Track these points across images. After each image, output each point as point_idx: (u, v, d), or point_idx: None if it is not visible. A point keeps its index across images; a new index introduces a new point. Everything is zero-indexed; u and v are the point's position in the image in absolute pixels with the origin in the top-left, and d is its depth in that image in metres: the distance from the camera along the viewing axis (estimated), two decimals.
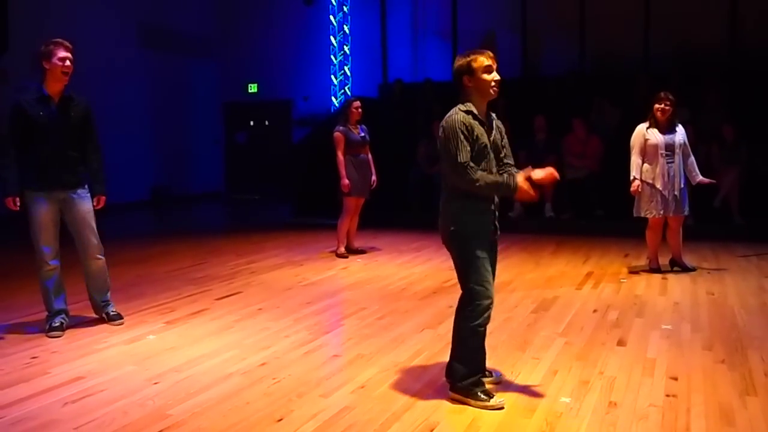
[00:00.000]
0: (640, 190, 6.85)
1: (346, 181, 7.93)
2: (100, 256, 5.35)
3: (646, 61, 12.38)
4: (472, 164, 3.63)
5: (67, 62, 4.99)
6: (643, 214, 6.96)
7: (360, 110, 8.07)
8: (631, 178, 6.88)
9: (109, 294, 5.50)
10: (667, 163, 6.82)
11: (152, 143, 14.63)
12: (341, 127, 8.03)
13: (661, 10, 12.30)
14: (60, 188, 5.09)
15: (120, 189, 12.67)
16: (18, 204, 5.06)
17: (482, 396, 3.70)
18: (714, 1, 12.20)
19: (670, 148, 6.83)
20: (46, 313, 5.24)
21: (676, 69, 11.22)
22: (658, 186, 6.81)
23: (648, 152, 6.87)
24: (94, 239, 5.29)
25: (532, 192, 3.68)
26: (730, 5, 12.07)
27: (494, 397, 3.71)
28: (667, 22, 12.25)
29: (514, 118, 11.07)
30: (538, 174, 3.68)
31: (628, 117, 10.62)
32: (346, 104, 8.31)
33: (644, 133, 6.89)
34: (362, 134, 8.13)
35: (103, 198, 5.34)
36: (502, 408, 3.65)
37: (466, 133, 3.66)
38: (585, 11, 12.91)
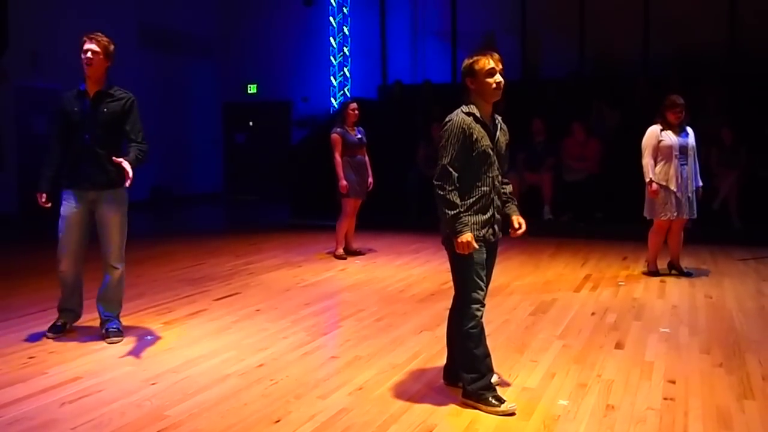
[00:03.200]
0: (659, 192, 6.80)
1: (345, 183, 7.94)
2: (116, 266, 5.00)
3: (645, 63, 12.40)
4: (452, 169, 3.65)
5: (89, 54, 4.81)
6: (658, 217, 6.92)
7: (357, 112, 8.09)
8: (647, 180, 6.82)
9: (116, 312, 5.12)
10: (681, 164, 6.79)
11: (151, 143, 14.53)
12: (338, 129, 8.05)
13: (660, 12, 12.33)
14: (89, 187, 4.87)
15: None
16: (45, 200, 4.93)
17: (493, 401, 3.67)
18: (713, 4, 12.22)
19: (683, 150, 6.81)
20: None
21: (675, 71, 11.24)
22: (672, 188, 6.79)
23: (662, 154, 6.82)
24: (113, 247, 4.98)
25: (468, 251, 3.64)
26: (730, 8, 12.09)
27: (505, 402, 3.68)
28: (667, 25, 12.28)
29: (513, 120, 11.05)
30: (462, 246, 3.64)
31: (627, 119, 10.66)
32: (343, 106, 8.38)
33: (657, 135, 6.84)
34: (359, 136, 8.15)
35: (126, 163, 4.72)
36: (513, 414, 3.62)
37: (462, 137, 3.66)
38: (584, 13, 12.94)
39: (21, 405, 3.80)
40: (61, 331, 5.06)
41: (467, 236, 3.65)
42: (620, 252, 8.43)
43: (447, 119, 3.75)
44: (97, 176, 4.89)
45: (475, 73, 3.73)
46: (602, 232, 9.55)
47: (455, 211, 3.66)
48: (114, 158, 4.77)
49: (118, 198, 5.00)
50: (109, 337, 4.97)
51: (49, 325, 5.09)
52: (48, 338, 4.96)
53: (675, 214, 6.84)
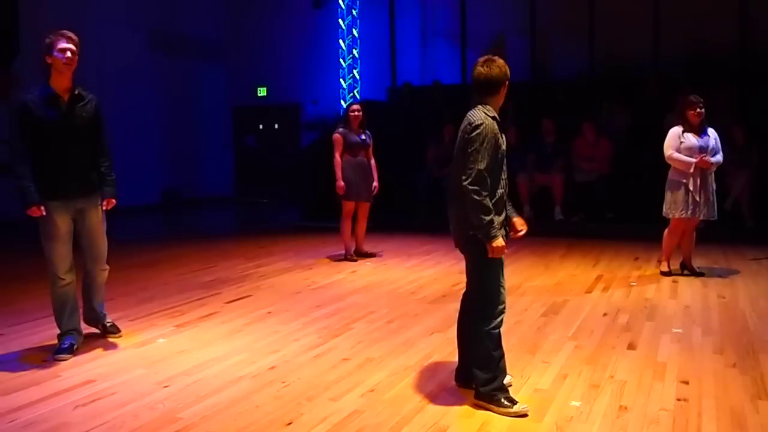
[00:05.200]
0: (706, 159, 6.68)
1: (342, 183, 7.91)
2: (107, 266, 5.05)
3: (655, 63, 12.35)
4: (487, 175, 3.63)
5: (68, 54, 4.53)
6: (676, 215, 6.88)
7: (359, 114, 8.05)
8: (692, 166, 6.68)
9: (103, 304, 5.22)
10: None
11: (162, 147, 14.69)
12: (340, 129, 8.04)
13: (670, 12, 12.28)
14: (74, 197, 4.68)
15: (130, 192, 12.70)
16: (43, 210, 4.58)
17: (505, 402, 3.68)
18: (724, 3, 12.15)
19: (704, 151, 6.77)
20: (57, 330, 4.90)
21: (685, 71, 11.19)
22: (691, 188, 6.76)
23: (683, 155, 6.80)
24: (103, 251, 4.95)
25: (501, 254, 3.69)
26: (741, 7, 12.03)
27: (518, 403, 3.69)
28: (677, 24, 12.23)
29: (523, 121, 11.07)
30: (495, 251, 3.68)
31: (638, 119, 10.63)
32: (345, 109, 8.35)
33: (680, 135, 6.82)
34: (363, 137, 8.10)
35: (113, 201, 4.87)
36: (525, 415, 3.62)
37: (494, 142, 3.66)
38: (594, 14, 12.90)
39: (35, 408, 3.82)
40: (71, 351, 4.73)
41: (501, 240, 3.66)
42: (632, 252, 8.40)
43: (477, 122, 3.66)
44: (82, 185, 4.72)
45: (508, 79, 3.79)
46: (613, 232, 9.51)
47: (491, 217, 3.63)
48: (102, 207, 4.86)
49: (99, 201, 4.85)
50: (112, 332, 5.14)
51: (57, 348, 4.73)
52: (61, 360, 4.62)
53: (691, 213, 6.79)
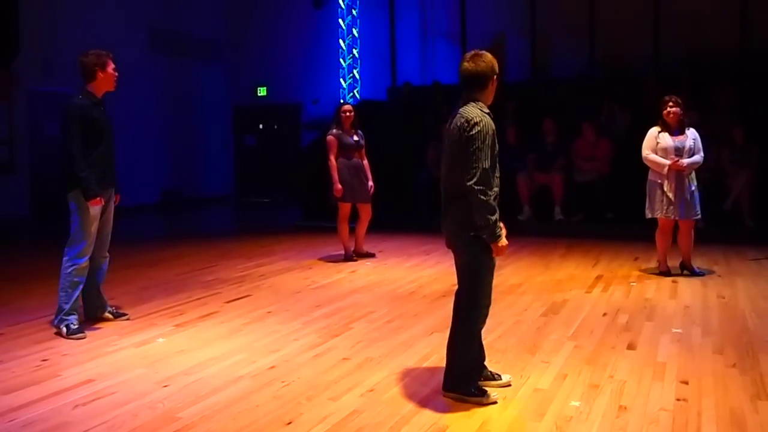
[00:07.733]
0: (680, 162, 6.71)
1: (339, 186, 7.88)
2: (108, 254, 5.60)
3: (655, 63, 12.35)
4: (490, 173, 3.62)
5: (116, 74, 5.38)
6: (654, 215, 6.93)
7: (350, 114, 8.03)
8: (665, 168, 6.72)
9: None
10: None
11: (163, 146, 14.68)
12: (334, 131, 8.01)
13: (670, 12, 12.27)
14: (108, 187, 5.38)
15: (130, 191, 12.70)
16: (102, 201, 5.29)
17: (474, 391, 3.78)
18: (724, 3, 12.15)
19: (679, 151, 6.80)
20: (59, 313, 5.20)
21: (685, 71, 11.19)
22: (665, 188, 6.79)
23: (658, 155, 6.84)
24: (109, 237, 5.58)
25: (504, 254, 3.76)
26: (741, 7, 12.02)
27: (487, 393, 3.79)
28: (677, 24, 12.21)
29: (524, 121, 11.07)
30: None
31: (638, 119, 10.62)
32: (337, 109, 8.30)
33: (656, 136, 6.87)
34: (356, 138, 8.06)
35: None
36: (495, 402, 3.74)
37: (492, 140, 3.65)
38: (594, 14, 12.90)
39: (34, 407, 3.82)
40: (82, 332, 5.20)
41: (505, 239, 3.67)
42: (632, 252, 8.39)
43: (475, 119, 3.60)
44: (114, 176, 5.46)
45: (497, 75, 3.75)
46: (613, 232, 9.51)
47: (496, 216, 3.62)
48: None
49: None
50: (122, 317, 5.61)
51: (66, 329, 5.13)
52: (75, 339, 5.07)
53: (669, 213, 6.81)
